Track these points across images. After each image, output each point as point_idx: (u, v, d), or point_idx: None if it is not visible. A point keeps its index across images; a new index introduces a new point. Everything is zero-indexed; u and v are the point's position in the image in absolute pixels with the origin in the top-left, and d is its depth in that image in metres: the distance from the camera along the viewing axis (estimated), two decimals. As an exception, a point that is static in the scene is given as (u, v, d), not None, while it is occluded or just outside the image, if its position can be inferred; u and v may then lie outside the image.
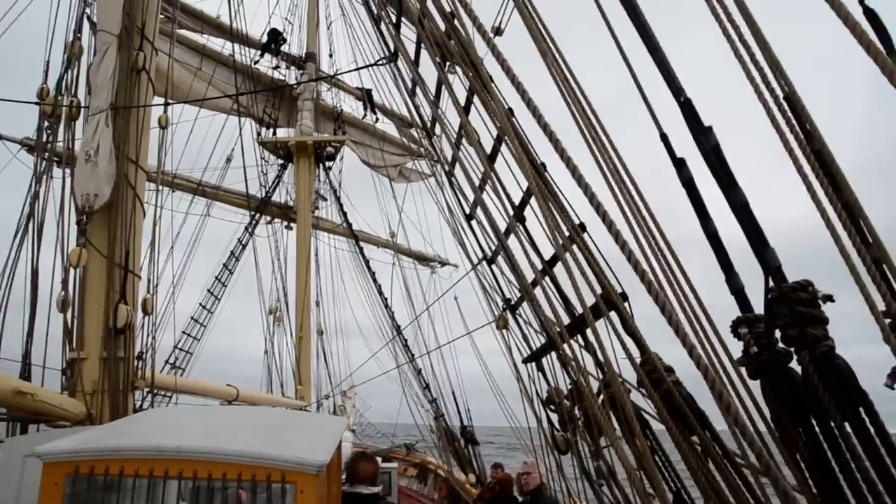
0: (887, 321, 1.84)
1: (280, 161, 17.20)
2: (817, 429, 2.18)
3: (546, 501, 6.01)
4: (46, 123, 5.90)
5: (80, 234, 5.22)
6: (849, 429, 2.04)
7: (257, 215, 16.14)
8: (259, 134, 16.87)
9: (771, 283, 2.19)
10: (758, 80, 2.31)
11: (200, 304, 14.92)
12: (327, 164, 17.81)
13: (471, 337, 10.22)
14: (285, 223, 17.63)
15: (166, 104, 6.47)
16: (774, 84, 2.31)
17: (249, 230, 15.66)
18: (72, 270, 5.17)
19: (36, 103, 6.15)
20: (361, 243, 16.79)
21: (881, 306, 1.89)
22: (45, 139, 5.87)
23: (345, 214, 16.81)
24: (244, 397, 8.40)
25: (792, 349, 2.19)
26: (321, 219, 18.10)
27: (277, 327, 16.86)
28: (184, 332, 14.07)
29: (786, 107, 2.29)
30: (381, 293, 15.75)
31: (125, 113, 5.59)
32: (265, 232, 16.66)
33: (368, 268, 16.17)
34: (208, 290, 15.16)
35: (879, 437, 2.00)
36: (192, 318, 14.63)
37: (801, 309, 2.10)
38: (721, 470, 2.71)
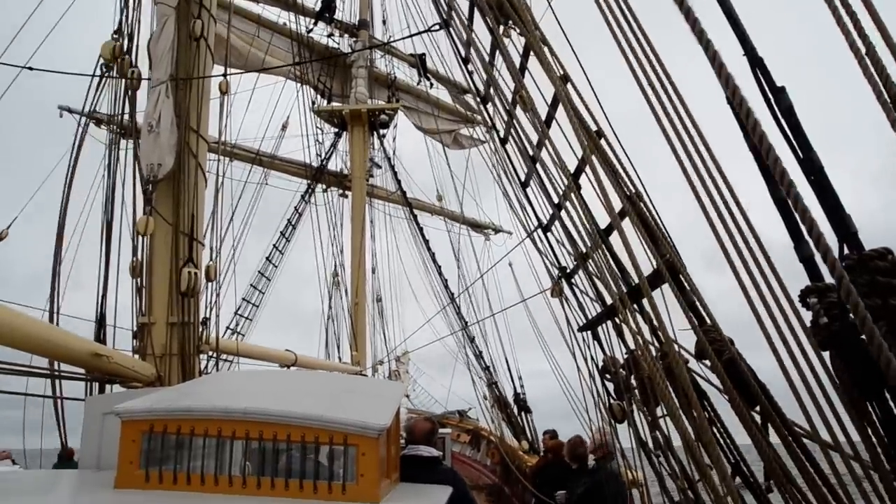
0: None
1: (335, 130, 17.35)
2: (892, 403, 2.11)
3: (607, 471, 5.96)
4: (113, 95, 6.07)
5: (147, 203, 5.39)
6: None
7: (313, 183, 16.36)
8: (314, 103, 17.02)
9: (846, 251, 2.11)
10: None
11: (259, 272, 15.31)
12: (381, 131, 17.88)
13: (526, 305, 10.20)
14: (340, 191, 17.84)
15: (226, 74, 6.56)
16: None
17: (306, 198, 15.90)
18: (140, 238, 5.35)
19: (100, 75, 6.33)
20: (415, 211, 16.88)
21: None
22: (119, 111, 6.02)
23: (399, 182, 16.91)
24: (302, 362, 8.62)
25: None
26: (376, 186, 18.26)
27: (335, 293, 17.16)
28: (244, 299, 14.49)
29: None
30: (434, 261, 15.87)
31: (185, 83, 5.70)
32: (321, 200, 16.91)
33: (422, 235, 16.27)
34: (266, 258, 15.54)
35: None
36: (251, 285, 15.04)
37: (879, 278, 2.01)
38: (786, 443, 2.66)
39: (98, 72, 6.20)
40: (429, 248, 16.00)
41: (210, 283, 5.78)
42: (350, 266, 15.73)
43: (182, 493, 2.72)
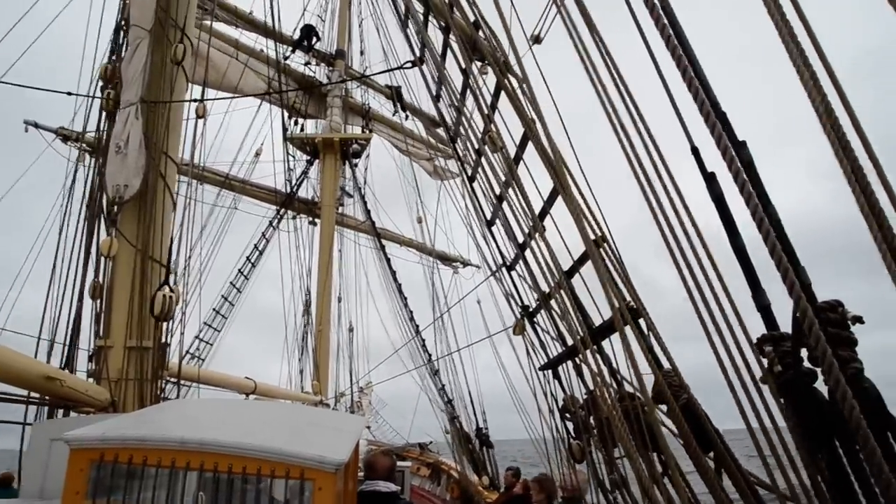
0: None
1: (307, 157, 17.35)
2: (840, 451, 2.16)
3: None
4: (90, 114, 6.05)
5: (111, 224, 5.32)
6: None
7: (282, 210, 16.29)
8: (286, 129, 17.01)
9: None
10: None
11: (223, 296, 15.09)
12: (353, 161, 17.91)
13: (491, 342, 10.21)
14: (310, 219, 17.77)
15: (202, 99, 6.54)
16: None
17: (274, 224, 15.81)
18: (102, 259, 5.26)
19: (67, 93, 6.29)
20: (384, 241, 16.87)
21: None
22: (98, 129, 5.97)
23: (368, 212, 16.91)
24: (262, 390, 8.49)
25: (818, 369, 2.17)
26: (346, 215, 18.21)
27: (299, 322, 16.98)
28: (205, 324, 14.25)
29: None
30: (401, 292, 15.80)
31: (157, 106, 5.68)
32: (290, 227, 16.83)
33: (389, 266, 16.23)
34: (231, 283, 15.34)
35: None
36: (213, 309, 14.81)
37: (830, 330, 2.08)
38: (740, 490, 2.69)
39: (96, 92, 6.18)
40: (395, 280, 15.96)
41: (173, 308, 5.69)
42: (316, 294, 15.62)
43: None
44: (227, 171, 16.22)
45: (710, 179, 2.61)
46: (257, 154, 17.16)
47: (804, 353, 2.23)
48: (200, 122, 6.30)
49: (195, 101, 6.40)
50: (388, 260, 16.25)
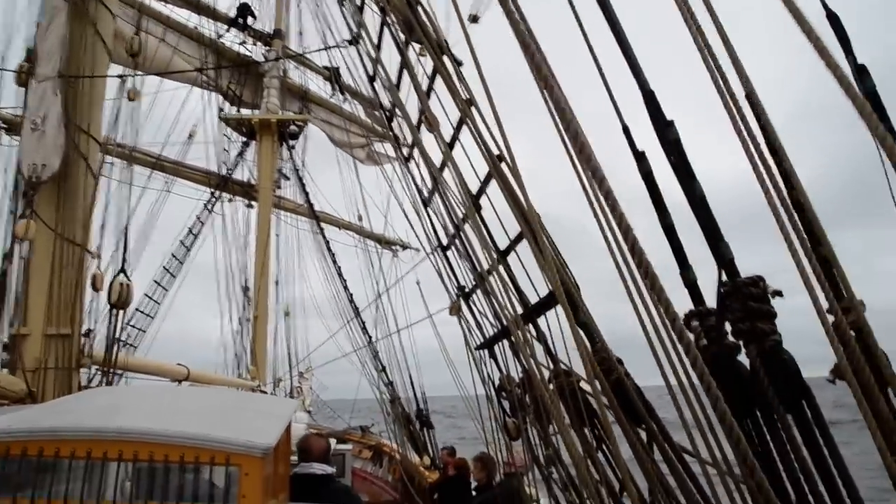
0: (831, 319, 1.85)
1: (243, 139, 16.88)
2: (762, 421, 2.22)
3: (502, 486, 6.00)
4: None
5: (27, 205, 5.04)
6: (791, 421, 2.08)
7: (217, 193, 15.84)
8: (222, 110, 16.52)
9: (724, 277, 2.21)
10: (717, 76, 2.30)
11: (155, 281, 14.62)
12: (291, 143, 17.54)
13: (431, 319, 10.22)
14: (247, 202, 17.34)
15: (124, 76, 6.25)
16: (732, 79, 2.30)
17: (209, 207, 15.37)
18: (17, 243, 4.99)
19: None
20: (323, 224, 16.62)
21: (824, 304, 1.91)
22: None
23: (307, 195, 16.62)
24: (195, 377, 8.26)
25: (741, 343, 2.22)
26: (283, 198, 17.84)
27: (235, 306, 16.64)
28: (137, 309, 13.77)
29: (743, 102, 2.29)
30: (340, 275, 15.63)
31: (77, 82, 5.38)
32: (226, 210, 16.41)
33: (329, 249, 16.03)
34: (164, 268, 14.86)
35: (819, 430, 2.04)
36: (145, 294, 14.33)
37: (751, 304, 2.12)
38: (668, 460, 2.75)
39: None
40: (335, 262, 15.77)
41: (96, 294, 5.45)
42: (253, 278, 15.29)
43: None
44: (160, 152, 15.67)
45: (640, 158, 2.62)
46: (191, 135, 16.63)
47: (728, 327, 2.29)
48: (125, 101, 6.04)
49: (119, 76, 6.12)
50: (327, 243, 16.05)
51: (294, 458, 4.11)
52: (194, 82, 15.53)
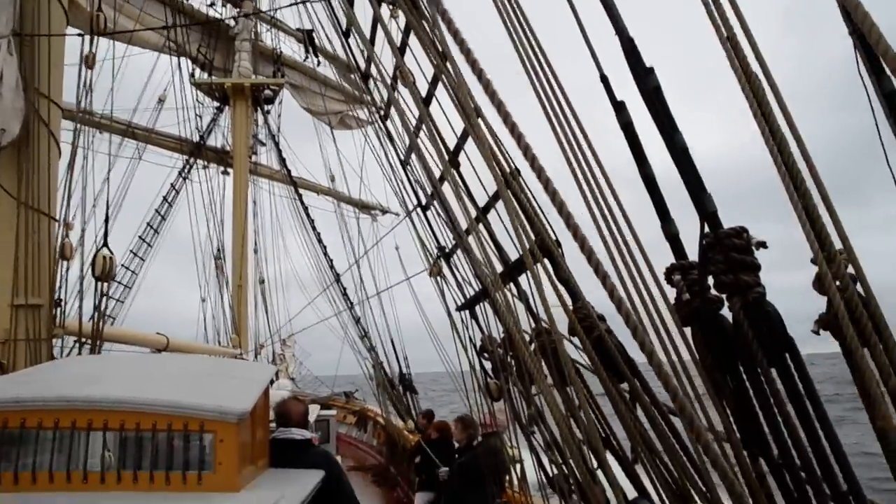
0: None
1: (216, 104, 16.51)
2: (744, 375, 2.19)
3: (484, 446, 6.03)
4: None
5: (-14, 172, 4.86)
6: (774, 374, 2.05)
7: (191, 160, 15.54)
8: (192, 75, 16.09)
9: (707, 229, 2.16)
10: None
11: (132, 252, 14.40)
12: (266, 107, 17.20)
13: (409, 284, 10.17)
14: (222, 168, 17.03)
15: (88, 33, 6.00)
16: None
17: (183, 175, 15.08)
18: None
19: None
20: (301, 190, 16.40)
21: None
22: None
23: (283, 160, 16.36)
24: (175, 346, 8.15)
25: (724, 296, 2.18)
26: (259, 164, 17.57)
27: (215, 276, 16.47)
28: (114, 280, 13.56)
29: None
30: (320, 241, 15.51)
31: (35, 43, 5.15)
32: (201, 177, 16.11)
33: (307, 215, 15.86)
34: (140, 237, 14.63)
35: (802, 383, 2.01)
36: (122, 265, 14.12)
37: (734, 255, 2.07)
38: (649, 417, 2.73)
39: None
40: (314, 228, 15.62)
41: (65, 262, 5.31)
42: (232, 246, 15.11)
43: (8, 494, 2.43)
44: (130, 118, 15.29)
45: (619, 108, 2.55)
46: (161, 101, 16.21)
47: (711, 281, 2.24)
48: (92, 69, 5.82)
49: (82, 35, 5.88)
50: (305, 209, 15.87)
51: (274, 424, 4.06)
52: (163, 48, 15.08)
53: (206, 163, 16.46)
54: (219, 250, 15.10)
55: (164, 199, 14.97)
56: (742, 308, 2.05)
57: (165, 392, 2.72)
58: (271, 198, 18.49)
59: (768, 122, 2.02)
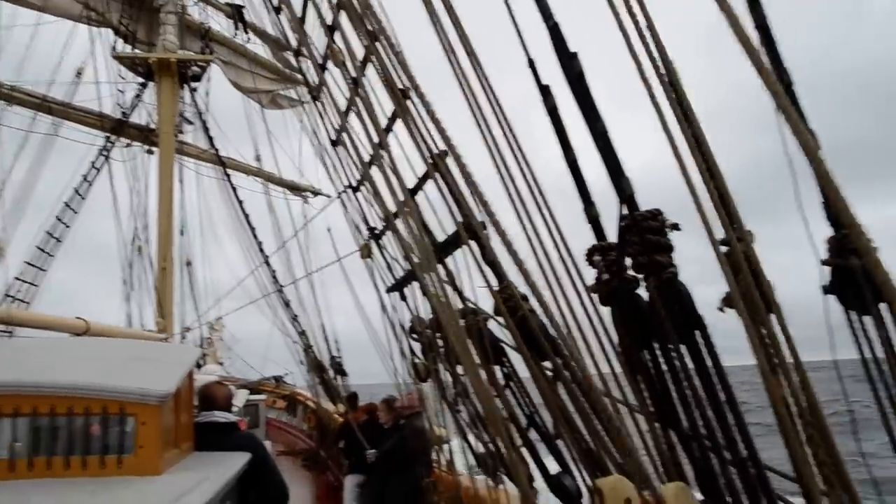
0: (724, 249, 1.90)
1: (140, 79, 15.80)
2: (658, 351, 2.29)
3: (411, 428, 6.08)
4: None
5: None
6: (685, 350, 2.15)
7: (114, 137, 14.88)
8: (114, 48, 15.35)
9: (625, 211, 2.24)
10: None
11: (48, 233, 13.74)
12: (193, 85, 16.58)
13: (341, 265, 10.07)
14: (146, 147, 16.35)
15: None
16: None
17: (104, 153, 14.43)
18: None
19: None
20: (230, 171, 15.94)
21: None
22: None
23: (211, 140, 15.83)
24: (96, 330, 7.83)
25: (641, 276, 2.27)
26: (186, 144, 16.94)
27: (138, 258, 15.90)
28: (27, 263, 12.95)
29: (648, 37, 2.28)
30: (249, 223, 15.16)
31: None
32: (124, 156, 15.46)
33: (236, 196, 15.45)
34: (57, 217, 13.96)
35: (711, 358, 2.12)
36: (37, 247, 13.47)
37: (649, 237, 2.16)
38: (570, 394, 2.82)
39: None
40: (243, 210, 15.24)
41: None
42: (157, 227, 14.59)
43: None
44: (45, 91, 14.50)
45: (545, 92, 2.60)
46: (79, 73, 15.43)
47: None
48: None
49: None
50: (234, 190, 15.46)
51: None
52: (81, 17, 14.35)
53: (129, 141, 15.79)
54: (143, 232, 14.59)
55: (84, 177, 14.31)
56: (656, 287, 2.14)
57: (83, 375, 2.63)
58: (199, 178, 17.90)
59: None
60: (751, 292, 1.76)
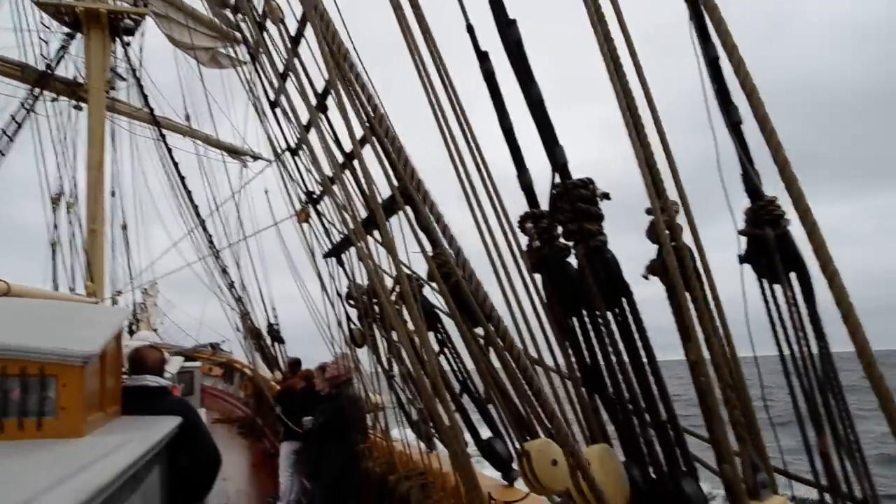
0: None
1: (66, 29, 14.95)
2: (586, 318, 2.35)
3: (347, 396, 6.09)
4: None
5: None
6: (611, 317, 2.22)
7: (37, 90, 14.11)
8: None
9: (557, 180, 2.27)
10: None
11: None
12: (126, 39, 15.81)
13: (278, 229, 9.91)
14: (74, 102, 15.56)
15: None
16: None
17: (26, 106, 13.69)
18: None
19: None
20: (165, 131, 15.34)
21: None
22: None
23: (146, 98, 15.17)
24: (17, 292, 7.48)
25: (571, 243, 2.31)
26: (118, 101, 16.20)
27: (67, 220, 15.25)
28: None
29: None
30: (184, 185, 14.69)
31: None
32: (48, 111, 14.69)
33: (171, 157, 14.93)
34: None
35: (635, 325, 2.19)
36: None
37: (580, 205, 2.20)
38: (501, 360, 2.87)
39: None
40: (178, 172, 14.75)
41: None
42: (86, 188, 13.99)
43: None
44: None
45: (483, 58, 2.60)
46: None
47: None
48: None
49: None
50: (169, 151, 14.92)
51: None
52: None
53: (55, 95, 15.01)
54: (70, 192, 13.98)
55: (3, 132, 13.57)
56: (585, 255, 2.19)
57: (1, 335, 2.53)
58: (132, 138, 17.18)
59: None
60: (672, 260, 1.82)
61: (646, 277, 2.02)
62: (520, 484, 3.50)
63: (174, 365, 11.44)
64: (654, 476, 2.13)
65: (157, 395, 3.71)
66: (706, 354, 1.88)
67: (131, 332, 18.00)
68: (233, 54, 16.97)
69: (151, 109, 15.30)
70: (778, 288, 1.78)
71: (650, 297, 2.18)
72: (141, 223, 19.51)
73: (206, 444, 3.76)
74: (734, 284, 1.91)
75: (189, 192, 14.66)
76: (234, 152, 16.55)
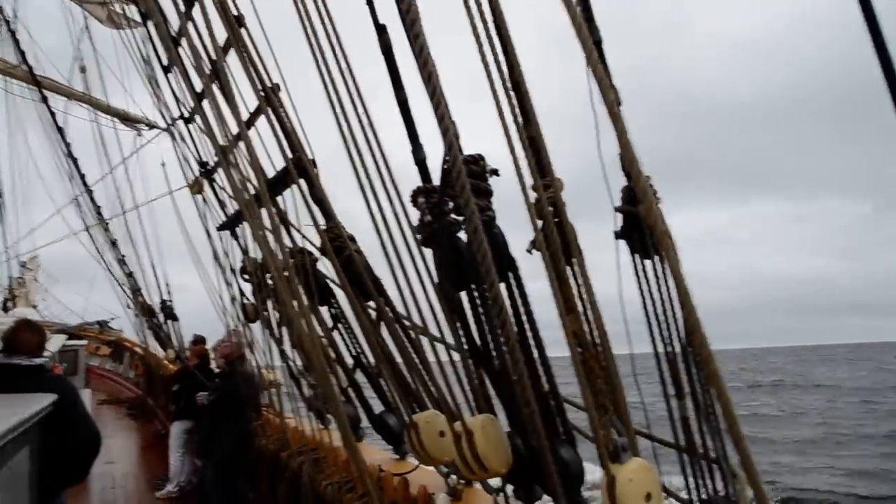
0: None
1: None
2: (475, 292, 2.40)
3: (241, 373, 5.96)
4: None
5: None
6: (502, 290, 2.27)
7: None
8: None
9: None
10: None
11: None
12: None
13: (173, 199, 9.49)
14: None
15: None
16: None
17: None
18: None
19: None
20: (48, 93, 14.24)
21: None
22: None
23: (23, 54, 13.92)
24: None
25: (461, 219, 2.35)
26: (-12, 55, 14.88)
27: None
28: None
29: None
30: (70, 152, 13.74)
31: None
32: None
33: (55, 122, 13.90)
34: None
35: (521, 299, 2.25)
36: None
37: (472, 180, 2.23)
38: (392, 333, 2.89)
39: None
40: (63, 138, 13.77)
41: None
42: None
43: None
44: None
45: (381, 31, 2.58)
46: None
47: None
48: None
49: None
50: (52, 114, 13.88)
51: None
52: None
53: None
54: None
55: None
56: (474, 230, 2.23)
57: None
58: (7, 97, 15.88)
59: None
60: (553, 237, 1.89)
61: (529, 252, 2.08)
62: (412, 458, 3.55)
63: (56, 343, 10.80)
64: (534, 445, 2.22)
65: (30, 373, 3.50)
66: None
67: (6, 309, 16.83)
68: (129, 14, 16.02)
69: (30, 67, 14.09)
70: (649, 263, 1.88)
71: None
72: (22, 195, 18.20)
73: (83, 422, 3.59)
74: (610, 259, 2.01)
75: (75, 160, 13.72)
76: (126, 119, 15.62)
